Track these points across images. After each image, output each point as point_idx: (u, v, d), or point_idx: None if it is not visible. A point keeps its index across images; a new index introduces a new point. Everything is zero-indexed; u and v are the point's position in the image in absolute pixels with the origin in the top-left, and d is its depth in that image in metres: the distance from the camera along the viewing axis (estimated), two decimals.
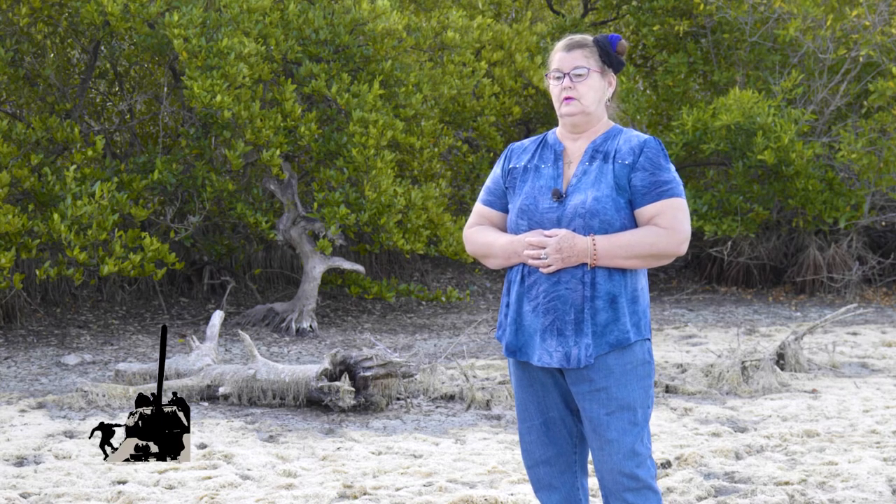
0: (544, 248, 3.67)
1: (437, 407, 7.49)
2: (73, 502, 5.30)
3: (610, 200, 3.69)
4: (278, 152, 9.98)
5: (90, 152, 9.55)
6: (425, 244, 10.77)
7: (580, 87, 3.75)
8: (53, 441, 6.41)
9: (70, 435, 6.58)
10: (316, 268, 10.47)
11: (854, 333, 10.33)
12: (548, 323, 3.69)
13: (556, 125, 3.94)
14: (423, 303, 11.94)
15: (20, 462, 6.06)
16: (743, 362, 8.06)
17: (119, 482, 5.63)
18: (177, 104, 10.82)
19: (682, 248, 3.72)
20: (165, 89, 10.65)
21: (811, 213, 12.37)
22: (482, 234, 3.88)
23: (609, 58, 3.78)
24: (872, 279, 13.08)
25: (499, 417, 7.20)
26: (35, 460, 6.07)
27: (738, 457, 6.18)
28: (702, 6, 12.71)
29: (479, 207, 3.93)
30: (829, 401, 7.56)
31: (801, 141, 11.99)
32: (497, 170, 3.92)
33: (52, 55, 10.75)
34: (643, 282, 3.78)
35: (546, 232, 3.69)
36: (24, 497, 5.37)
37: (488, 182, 3.94)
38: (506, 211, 3.88)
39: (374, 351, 7.36)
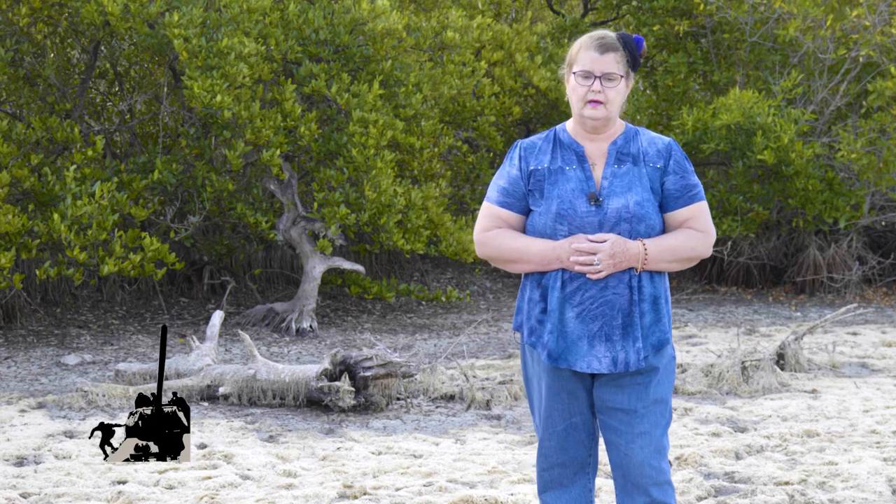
0: (594, 254, 3.66)
1: (437, 407, 7.49)
2: (73, 502, 5.31)
3: (650, 204, 3.71)
4: (278, 152, 9.98)
5: (90, 152, 9.55)
6: (425, 244, 10.77)
7: (609, 93, 3.70)
8: (53, 441, 6.41)
9: (70, 435, 6.58)
10: (316, 268, 10.46)
11: (854, 333, 10.32)
12: (595, 329, 3.68)
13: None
14: (423, 303, 11.94)
15: (20, 462, 6.06)
16: (743, 362, 8.06)
17: (119, 482, 5.63)
18: (177, 104, 10.81)
19: (711, 250, 3.80)
20: (165, 89, 10.64)
21: (811, 213, 12.36)
22: (510, 239, 3.76)
23: (634, 61, 3.76)
24: (872, 279, 13.08)
25: (499, 417, 7.19)
26: (35, 460, 6.07)
27: (738, 457, 6.18)
28: (702, 6, 12.70)
29: (493, 209, 3.79)
30: (829, 401, 7.56)
31: (800, 141, 11.98)
32: (513, 171, 3.79)
33: (52, 55, 10.74)
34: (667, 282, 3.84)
35: (593, 237, 3.66)
36: (24, 497, 5.38)
37: (503, 183, 3.80)
38: (524, 213, 3.79)
39: (374, 351, 7.36)
